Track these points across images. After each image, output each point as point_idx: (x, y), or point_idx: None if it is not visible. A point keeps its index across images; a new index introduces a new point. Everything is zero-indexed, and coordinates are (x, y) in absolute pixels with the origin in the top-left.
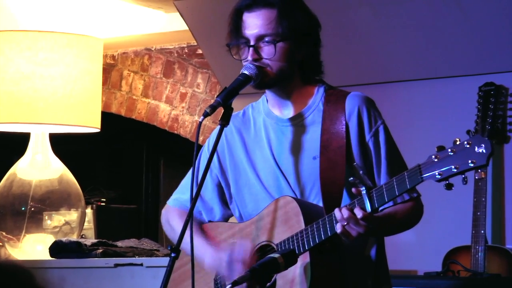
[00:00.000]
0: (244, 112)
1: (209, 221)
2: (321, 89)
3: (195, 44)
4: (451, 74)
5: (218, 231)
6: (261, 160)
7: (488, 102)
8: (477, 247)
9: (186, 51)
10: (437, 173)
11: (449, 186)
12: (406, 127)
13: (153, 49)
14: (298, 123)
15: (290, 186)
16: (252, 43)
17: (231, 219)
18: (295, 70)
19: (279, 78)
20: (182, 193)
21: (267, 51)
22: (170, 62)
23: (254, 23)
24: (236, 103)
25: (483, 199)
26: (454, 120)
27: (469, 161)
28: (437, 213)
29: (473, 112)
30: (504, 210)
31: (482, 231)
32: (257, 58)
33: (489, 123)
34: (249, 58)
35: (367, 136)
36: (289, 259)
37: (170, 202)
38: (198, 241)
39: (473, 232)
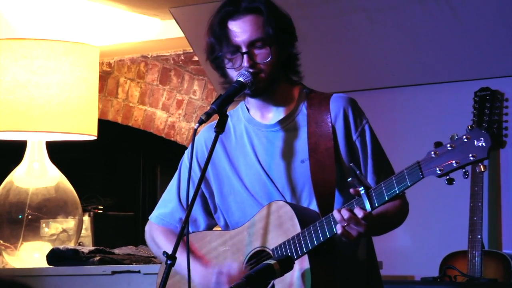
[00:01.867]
0: None
1: (193, 232)
2: (303, 93)
3: (191, 51)
4: (447, 80)
5: (206, 240)
6: (246, 167)
7: (484, 107)
8: (474, 252)
9: (182, 58)
10: (437, 169)
11: (450, 181)
12: (402, 133)
13: (149, 56)
14: (282, 128)
15: (279, 191)
16: (244, 49)
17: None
18: (280, 73)
19: (271, 82)
20: (164, 207)
21: (261, 55)
22: (167, 69)
23: (242, 30)
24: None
25: (480, 204)
26: (450, 125)
27: (470, 155)
28: (434, 219)
29: (469, 117)
30: (500, 215)
31: (479, 236)
32: (253, 63)
33: (485, 128)
34: (245, 64)
35: (354, 136)
36: (286, 265)
37: (153, 218)
38: (184, 258)
39: (470, 237)
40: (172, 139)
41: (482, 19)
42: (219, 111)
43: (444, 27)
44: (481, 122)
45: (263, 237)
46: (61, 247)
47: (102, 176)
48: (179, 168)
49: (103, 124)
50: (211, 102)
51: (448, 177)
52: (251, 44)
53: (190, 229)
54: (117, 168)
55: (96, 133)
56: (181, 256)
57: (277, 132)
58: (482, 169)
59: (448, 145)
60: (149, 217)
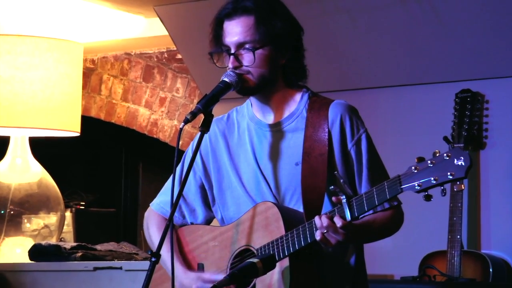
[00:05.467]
0: (229, 115)
1: (191, 223)
2: (305, 96)
3: (175, 49)
4: (428, 81)
5: (198, 234)
6: (244, 164)
7: (465, 109)
8: (453, 252)
9: (166, 56)
10: (416, 184)
11: (428, 198)
12: (382, 133)
13: (132, 53)
14: (281, 128)
15: (271, 191)
16: (232, 51)
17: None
18: (278, 75)
19: (260, 84)
20: (166, 194)
21: (247, 58)
22: (150, 67)
23: (233, 31)
24: (219, 108)
25: (459, 204)
26: (430, 126)
27: (448, 173)
28: (413, 219)
29: (450, 119)
30: (479, 215)
31: (458, 236)
32: (238, 65)
33: (465, 129)
34: (230, 65)
35: (349, 144)
36: (268, 264)
37: (153, 205)
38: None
39: (449, 237)
40: (155, 136)
41: (464, 21)
42: (204, 110)
43: (426, 29)
44: (462, 123)
45: (249, 236)
46: (43, 242)
47: (84, 172)
48: (183, 158)
49: (86, 120)
50: (194, 100)
51: (426, 193)
52: (239, 46)
53: (189, 220)
54: (99, 165)
55: (79, 130)
56: (168, 252)
57: (276, 132)
58: (462, 188)
59: (429, 162)
60: (150, 204)
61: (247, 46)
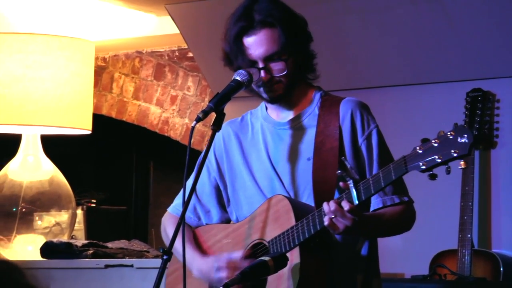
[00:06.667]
0: (243, 117)
1: (206, 224)
2: (318, 95)
3: (186, 47)
4: (439, 80)
5: (212, 233)
6: (257, 163)
7: (476, 108)
8: (464, 251)
9: (177, 54)
10: (421, 164)
11: (433, 176)
12: (392, 132)
13: (144, 52)
14: (294, 126)
15: (285, 187)
16: (261, 65)
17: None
18: (299, 76)
19: (290, 91)
20: (180, 198)
21: (277, 68)
22: (161, 65)
23: (258, 45)
24: (232, 106)
25: (470, 203)
26: (441, 126)
27: (452, 151)
28: (424, 218)
29: (461, 118)
30: (490, 214)
31: (469, 235)
32: (270, 77)
33: (476, 128)
34: (263, 80)
35: (360, 139)
36: (279, 262)
37: (170, 208)
38: (188, 252)
39: (460, 236)
40: (166, 134)
41: (475, 20)
42: (216, 109)
43: (436, 28)
44: (473, 122)
45: (261, 230)
46: (54, 240)
47: (95, 170)
48: (198, 160)
49: (97, 118)
50: (205, 98)
51: (431, 172)
52: (267, 59)
53: (204, 221)
54: (110, 163)
55: (90, 128)
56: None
57: (288, 130)
58: (463, 166)
59: (433, 141)
60: (168, 209)
61: (275, 57)
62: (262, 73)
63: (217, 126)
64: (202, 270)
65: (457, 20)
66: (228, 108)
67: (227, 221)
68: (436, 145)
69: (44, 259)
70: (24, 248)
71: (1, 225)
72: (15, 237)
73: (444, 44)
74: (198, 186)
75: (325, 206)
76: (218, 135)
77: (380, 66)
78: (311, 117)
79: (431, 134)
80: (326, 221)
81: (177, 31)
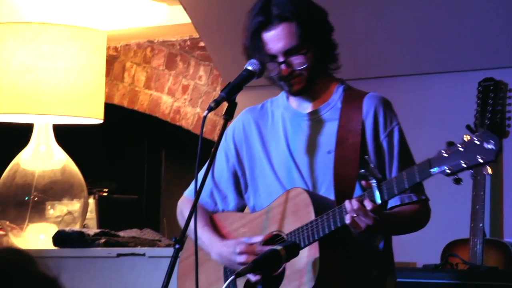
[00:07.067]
0: (263, 105)
1: (223, 210)
2: (340, 88)
3: (197, 37)
4: (451, 69)
5: (229, 221)
6: (276, 152)
7: (487, 97)
8: (475, 240)
9: (189, 43)
10: (446, 168)
11: (457, 181)
12: (404, 122)
13: (155, 41)
14: (315, 118)
15: (303, 178)
16: (281, 59)
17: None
18: (320, 68)
19: (311, 84)
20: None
21: (297, 62)
22: (173, 55)
23: (276, 40)
24: (245, 96)
25: (482, 193)
26: (453, 115)
27: (478, 157)
28: (436, 207)
29: (472, 107)
30: (502, 204)
31: (481, 225)
32: (290, 71)
33: (488, 118)
34: (284, 73)
35: (382, 136)
36: (291, 251)
37: (186, 192)
38: (207, 235)
39: (472, 225)
40: (178, 123)
41: (486, 9)
42: (228, 98)
43: (448, 17)
44: (485, 112)
45: (279, 222)
46: (66, 229)
47: (107, 160)
48: (221, 137)
49: (108, 108)
50: (217, 87)
51: (456, 176)
52: (286, 53)
53: (220, 207)
54: (122, 152)
55: (102, 117)
56: (202, 233)
57: (310, 122)
58: (489, 172)
59: (459, 145)
60: (184, 193)
61: (294, 51)
62: (283, 67)
63: (229, 115)
64: (222, 253)
65: (468, 9)
66: (240, 98)
67: (243, 207)
68: (462, 149)
69: (56, 248)
70: (36, 237)
71: (14, 214)
72: (28, 226)
73: (456, 33)
74: (216, 172)
75: (347, 204)
76: (238, 122)
77: (390, 55)
78: (333, 110)
79: (442, 124)
80: (348, 220)
81: (189, 20)
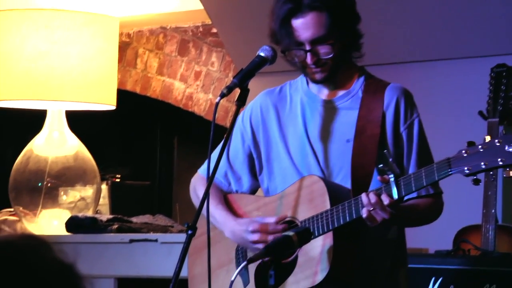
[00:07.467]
0: (281, 88)
1: (236, 191)
2: (362, 78)
3: (210, 23)
4: (463, 55)
5: (243, 203)
6: (293, 137)
7: (500, 83)
8: (488, 226)
9: (201, 30)
10: (466, 168)
11: (476, 182)
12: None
13: (168, 27)
14: (335, 106)
15: (319, 165)
16: (308, 47)
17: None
18: (345, 57)
19: (336, 73)
20: (212, 161)
21: (323, 51)
22: (185, 41)
23: (305, 28)
24: (256, 83)
25: (493, 179)
26: (465, 102)
27: (499, 159)
28: (448, 193)
29: (485, 94)
30: None
31: (493, 211)
32: (316, 60)
33: (501, 104)
34: (309, 62)
35: (402, 127)
36: (303, 237)
37: (200, 170)
38: (221, 213)
39: (484, 211)
40: (190, 110)
41: None
42: (240, 85)
43: (459, 1)
44: (497, 98)
45: (293, 209)
46: (79, 215)
47: (120, 146)
48: (234, 123)
49: (121, 94)
50: (229, 73)
51: (475, 177)
52: (314, 42)
53: (234, 187)
54: (135, 138)
55: (115, 103)
56: (216, 210)
57: (330, 109)
58: (510, 175)
59: (480, 146)
60: (198, 170)
61: (321, 41)
62: (309, 55)
63: (241, 101)
64: (235, 231)
65: None
66: (252, 84)
67: (257, 189)
68: (482, 150)
69: (69, 233)
70: (50, 222)
71: (27, 200)
72: (41, 211)
73: (468, 19)
74: (231, 153)
75: (364, 198)
76: (256, 104)
77: (401, 41)
78: (354, 99)
79: (454, 111)
80: (364, 213)
81: (201, 7)
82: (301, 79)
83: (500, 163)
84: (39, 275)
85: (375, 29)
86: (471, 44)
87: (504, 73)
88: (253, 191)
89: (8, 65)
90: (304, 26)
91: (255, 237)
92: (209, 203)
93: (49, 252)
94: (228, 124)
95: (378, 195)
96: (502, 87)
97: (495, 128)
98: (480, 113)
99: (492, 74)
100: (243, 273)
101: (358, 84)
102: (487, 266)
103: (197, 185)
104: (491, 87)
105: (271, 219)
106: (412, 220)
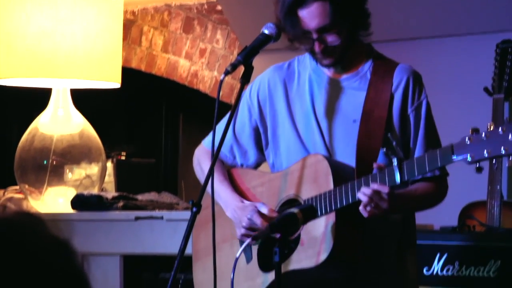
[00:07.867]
0: (290, 64)
1: (242, 165)
2: (371, 57)
3: (215, 0)
4: (469, 32)
5: (247, 178)
6: (301, 113)
7: (505, 59)
8: (493, 202)
9: (206, 7)
10: (468, 156)
11: (479, 170)
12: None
13: (172, 5)
14: (344, 85)
15: (324, 142)
16: (315, 36)
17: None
18: (353, 38)
19: (344, 57)
20: (218, 133)
21: (331, 39)
22: (190, 18)
23: (310, 18)
24: (261, 60)
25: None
26: (470, 78)
27: (502, 148)
28: (453, 169)
29: (490, 70)
30: None
31: (498, 187)
32: (324, 48)
33: (506, 80)
34: (317, 50)
35: (409, 109)
36: (308, 214)
37: (205, 142)
38: (226, 190)
39: (489, 187)
40: (195, 87)
41: None
42: (244, 62)
43: None
44: (502, 74)
45: (297, 187)
46: (85, 192)
47: (125, 123)
48: (239, 100)
49: (126, 72)
50: (234, 51)
51: (477, 165)
52: (320, 30)
53: (239, 161)
54: (140, 116)
55: (120, 81)
56: (220, 183)
57: (338, 88)
58: None
59: (483, 134)
60: (202, 141)
61: (328, 29)
62: (316, 43)
63: (246, 79)
64: (237, 213)
65: None
66: (256, 61)
67: (262, 162)
68: (485, 138)
69: (74, 211)
70: (55, 200)
71: (33, 178)
72: (46, 189)
73: None
74: (237, 127)
75: (361, 196)
76: (264, 79)
77: (408, 18)
78: (362, 80)
79: (459, 88)
80: (365, 214)
81: None
82: (309, 55)
83: (503, 152)
84: (34, 252)
85: (381, 6)
86: (477, 20)
87: (509, 49)
88: (258, 165)
89: (13, 43)
90: (309, 16)
91: (257, 221)
92: (214, 178)
93: (44, 229)
94: (233, 102)
95: (375, 191)
96: (508, 63)
97: (500, 104)
98: (486, 89)
99: (498, 50)
100: (247, 250)
101: (367, 65)
102: (492, 242)
103: (201, 158)
104: (496, 63)
105: (274, 214)
106: (415, 207)
